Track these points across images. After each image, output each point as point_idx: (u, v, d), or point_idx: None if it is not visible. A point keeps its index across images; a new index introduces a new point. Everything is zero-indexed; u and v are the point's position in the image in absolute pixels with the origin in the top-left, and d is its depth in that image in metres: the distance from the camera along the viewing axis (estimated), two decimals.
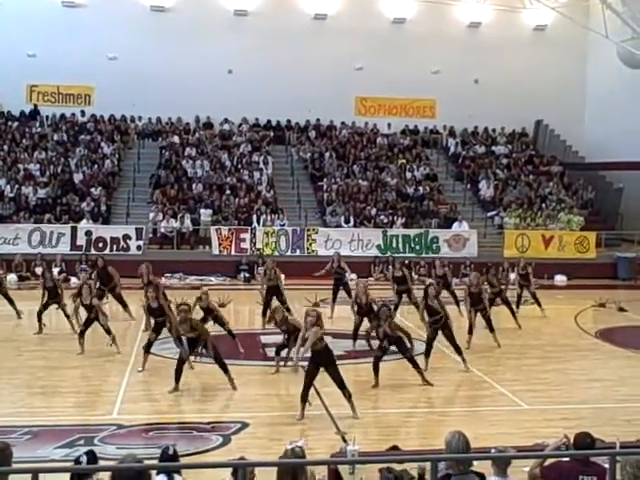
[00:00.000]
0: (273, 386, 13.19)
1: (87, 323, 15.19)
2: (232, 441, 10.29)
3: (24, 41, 31.06)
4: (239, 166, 30.82)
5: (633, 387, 13.40)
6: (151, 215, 27.16)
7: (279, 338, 14.26)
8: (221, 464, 8.51)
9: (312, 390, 11.41)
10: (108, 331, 15.06)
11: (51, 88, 32.63)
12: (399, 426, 11.04)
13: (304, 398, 11.24)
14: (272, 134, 33.19)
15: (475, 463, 6.33)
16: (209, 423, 10.96)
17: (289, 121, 33.85)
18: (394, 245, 27.04)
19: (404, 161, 31.91)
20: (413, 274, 23.73)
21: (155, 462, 7.82)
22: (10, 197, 27.33)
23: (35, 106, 32.26)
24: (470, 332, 15.83)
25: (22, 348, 15.41)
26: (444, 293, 17.91)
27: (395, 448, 9.48)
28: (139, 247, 25.72)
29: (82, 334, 15.00)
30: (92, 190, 28.02)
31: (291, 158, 32.23)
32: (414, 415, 11.78)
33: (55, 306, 17.15)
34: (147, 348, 13.80)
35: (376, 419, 11.46)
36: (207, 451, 9.89)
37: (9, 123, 31.66)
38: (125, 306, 18.64)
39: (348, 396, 11.22)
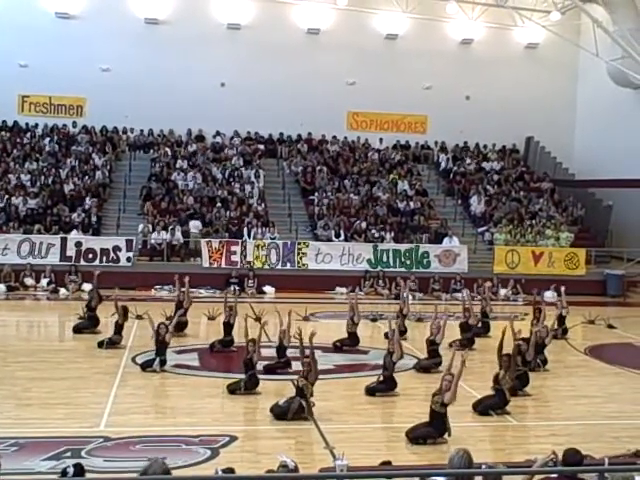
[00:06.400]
0: (262, 400, 13.12)
1: None
2: (220, 454, 10.24)
3: (16, 51, 31.10)
4: (230, 179, 30.81)
5: (621, 404, 13.44)
6: (140, 227, 27.10)
7: (267, 352, 14.27)
8: (208, 478, 8.48)
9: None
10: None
11: (43, 99, 32.60)
12: (389, 441, 11.01)
13: None
14: (264, 147, 33.23)
15: None
16: (197, 436, 10.91)
17: (281, 134, 33.93)
18: (384, 260, 27.04)
19: (396, 176, 31.97)
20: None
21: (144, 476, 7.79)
22: (0, 207, 27.24)
23: (27, 124, 32.25)
24: None
25: (9, 359, 15.29)
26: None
27: (387, 463, 9.46)
28: (129, 259, 25.64)
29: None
30: (83, 201, 27.96)
31: (282, 172, 32.23)
32: (403, 430, 11.73)
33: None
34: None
35: (366, 434, 11.42)
36: (195, 464, 9.84)
37: (0, 133, 31.60)
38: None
39: None
